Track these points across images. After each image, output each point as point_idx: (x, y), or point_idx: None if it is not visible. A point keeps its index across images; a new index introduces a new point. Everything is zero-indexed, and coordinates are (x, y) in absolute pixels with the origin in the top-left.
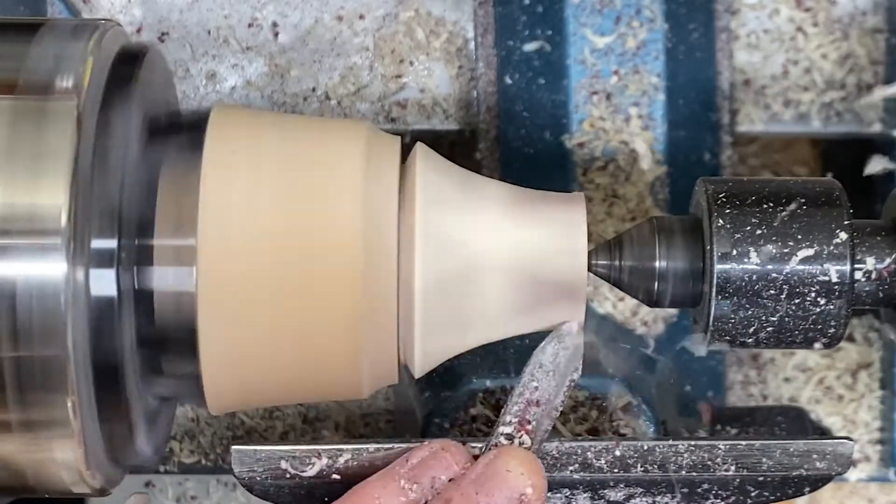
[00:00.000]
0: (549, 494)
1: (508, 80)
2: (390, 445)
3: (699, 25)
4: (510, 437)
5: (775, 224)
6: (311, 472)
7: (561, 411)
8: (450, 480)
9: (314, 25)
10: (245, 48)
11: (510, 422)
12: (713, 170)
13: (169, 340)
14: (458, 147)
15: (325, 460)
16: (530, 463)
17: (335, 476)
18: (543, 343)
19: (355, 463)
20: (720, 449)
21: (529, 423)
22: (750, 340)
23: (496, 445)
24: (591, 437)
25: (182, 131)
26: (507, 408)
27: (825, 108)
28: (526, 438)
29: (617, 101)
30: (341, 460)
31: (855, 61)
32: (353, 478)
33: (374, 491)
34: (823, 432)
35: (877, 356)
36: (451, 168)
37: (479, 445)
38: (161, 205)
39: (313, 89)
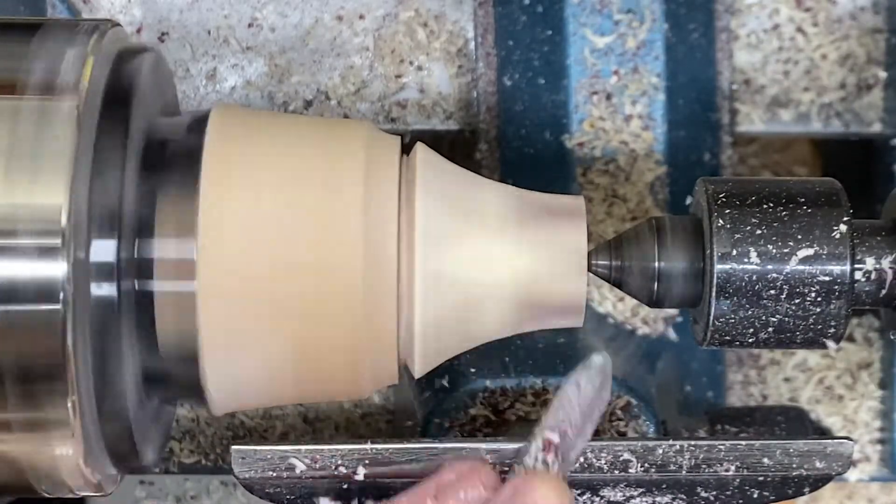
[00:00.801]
0: None
1: (508, 81)
2: (390, 446)
3: (699, 25)
4: (540, 463)
5: (775, 224)
6: (310, 472)
7: (584, 450)
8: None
9: (314, 25)
10: (245, 48)
11: (539, 448)
12: (713, 170)
13: (169, 340)
14: (458, 147)
15: (324, 460)
16: (561, 491)
17: (335, 476)
18: (573, 375)
19: (355, 463)
20: (720, 449)
21: (558, 451)
22: (750, 340)
23: (525, 471)
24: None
25: (182, 131)
26: (534, 435)
27: (825, 108)
28: (555, 466)
29: (617, 101)
30: (341, 460)
31: (855, 61)
32: (353, 477)
33: None
34: (823, 432)
35: (877, 356)
36: (451, 169)
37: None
38: (161, 204)
39: (314, 89)
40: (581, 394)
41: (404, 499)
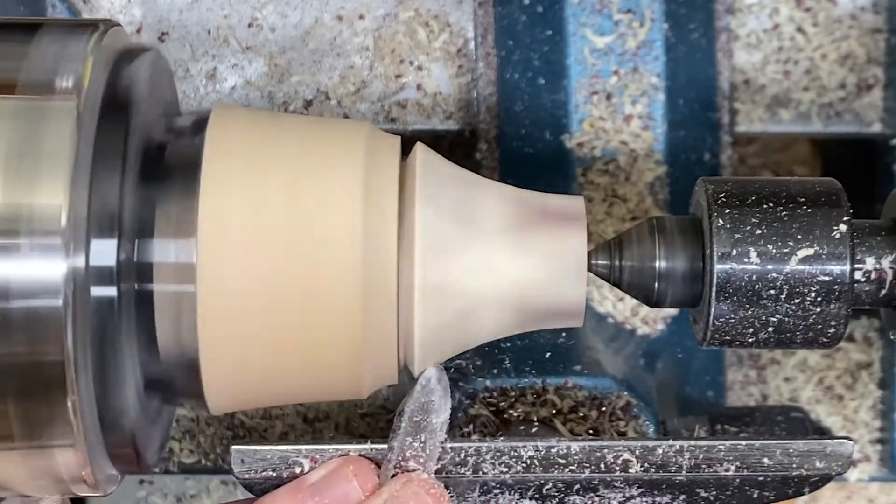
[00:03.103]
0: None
1: (508, 81)
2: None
3: (699, 25)
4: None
5: (775, 224)
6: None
7: (441, 447)
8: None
9: (314, 25)
10: (245, 48)
11: (400, 464)
12: (713, 170)
13: (169, 341)
14: (458, 147)
15: (324, 460)
16: (436, 489)
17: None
18: (407, 396)
19: None
20: (720, 449)
21: (418, 459)
22: (750, 340)
23: (396, 472)
24: (591, 436)
25: (182, 131)
26: (391, 448)
27: (825, 108)
28: (430, 465)
29: (617, 101)
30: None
31: (855, 61)
32: None
33: None
34: (823, 432)
35: (877, 356)
36: (450, 170)
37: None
38: (161, 205)
39: (314, 89)
40: (429, 406)
41: (281, 492)
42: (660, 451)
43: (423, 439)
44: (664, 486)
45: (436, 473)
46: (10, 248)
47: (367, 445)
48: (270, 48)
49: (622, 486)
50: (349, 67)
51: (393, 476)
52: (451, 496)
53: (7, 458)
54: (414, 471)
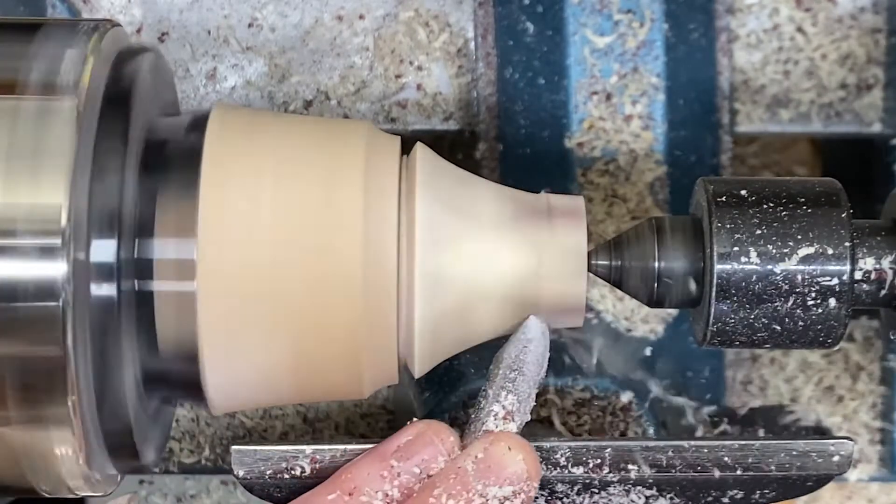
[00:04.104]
0: (548, 494)
1: (508, 81)
2: None
3: (699, 25)
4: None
5: (775, 224)
6: (310, 472)
7: (534, 403)
8: (446, 466)
9: (314, 25)
10: (245, 48)
11: (492, 412)
12: (713, 170)
13: (169, 340)
14: (458, 147)
15: (325, 460)
16: (527, 449)
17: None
18: (508, 342)
19: None
20: (720, 449)
21: (510, 413)
22: (750, 340)
23: (482, 432)
24: (591, 437)
25: (182, 131)
26: (483, 402)
27: (825, 108)
28: (512, 426)
29: (617, 101)
30: (341, 460)
31: (855, 61)
32: None
33: (358, 475)
34: (823, 432)
35: (877, 356)
36: (450, 170)
37: None
38: (161, 204)
39: (314, 89)
40: (526, 355)
41: (362, 461)
42: (660, 451)
43: (517, 390)
44: (664, 486)
45: None
46: (11, 248)
47: (368, 445)
48: (270, 48)
49: (621, 486)
50: (349, 67)
51: (483, 427)
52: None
53: (7, 457)
54: (509, 419)
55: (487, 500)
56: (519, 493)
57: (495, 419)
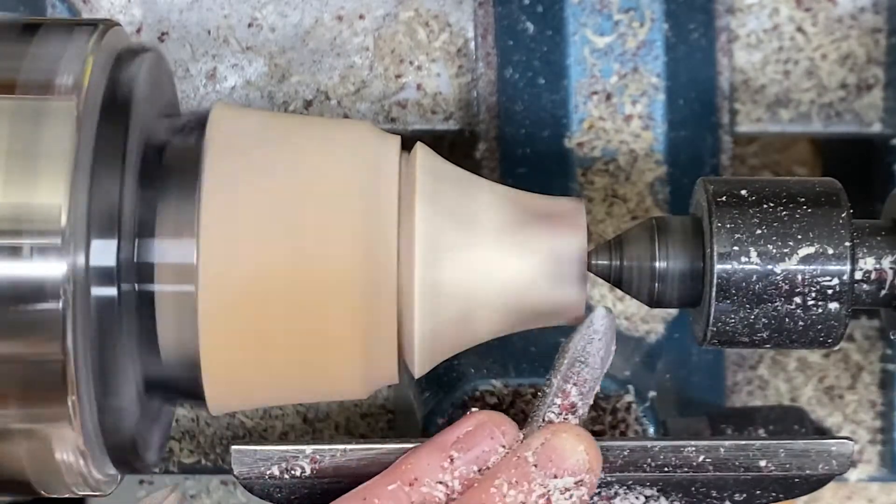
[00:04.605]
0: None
1: (508, 81)
2: (390, 445)
3: (699, 25)
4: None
5: (775, 224)
6: (310, 471)
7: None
8: (506, 456)
9: (314, 25)
10: (245, 48)
11: (555, 403)
12: (713, 170)
13: (169, 340)
14: (458, 147)
15: (325, 460)
16: (589, 441)
17: (335, 476)
18: (580, 329)
19: (355, 463)
20: (720, 449)
21: (574, 406)
22: (750, 340)
23: (543, 423)
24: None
25: (182, 131)
26: (548, 392)
27: (825, 108)
28: (573, 418)
29: (617, 101)
30: (341, 460)
31: (855, 61)
32: (353, 477)
33: (417, 466)
34: (823, 432)
35: (877, 356)
36: (450, 171)
37: None
38: (162, 205)
39: (314, 89)
40: (585, 349)
41: (421, 451)
42: (660, 451)
43: (580, 382)
44: (664, 487)
45: None
46: (11, 249)
47: (367, 445)
48: (270, 48)
49: (621, 486)
50: (349, 67)
51: (545, 418)
52: None
53: (7, 457)
54: (571, 411)
55: (549, 491)
56: (580, 485)
57: (558, 410)
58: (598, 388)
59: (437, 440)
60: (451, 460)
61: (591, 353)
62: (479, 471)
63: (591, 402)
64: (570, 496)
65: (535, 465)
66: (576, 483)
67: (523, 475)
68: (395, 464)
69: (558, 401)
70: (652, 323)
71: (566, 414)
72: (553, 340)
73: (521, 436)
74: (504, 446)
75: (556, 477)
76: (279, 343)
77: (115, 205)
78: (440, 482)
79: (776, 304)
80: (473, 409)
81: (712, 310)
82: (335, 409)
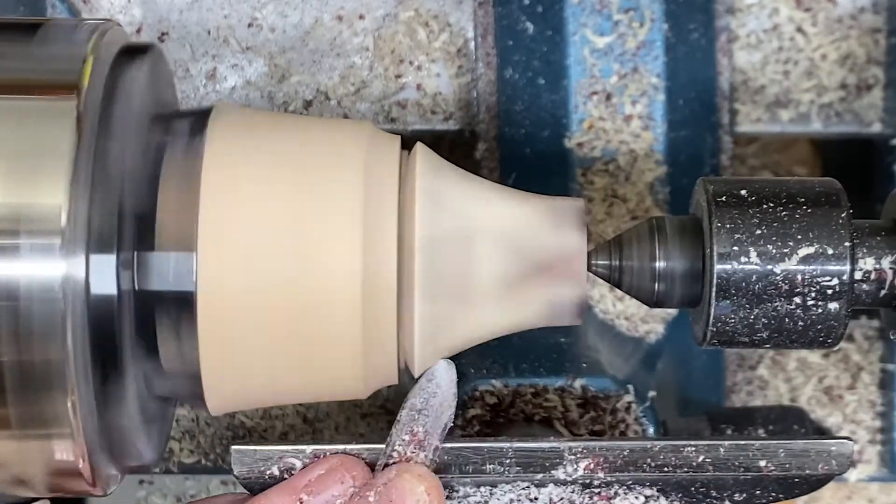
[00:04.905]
0: (547, 494)
1: (508, 81)
2: None
3: (699, 25)
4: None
5: (775, 224)
6: None
7: (441, 444)
8: (351, 497)
9: (314, 25)
10: (245, 48)
11: (403, 441)
12: (713, 170)
13: (169, 340)
14: (458, 147)
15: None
16: (430, 480)
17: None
18: (414, 387)
19: None
20: (720, 449)
21: (421, 443)
22: (750, 340)
23: (388, 463)
24: (591, 437)
25: (182, 131)
26: (391, 437)
27: (825, 108)
28: (420, 456)
29: (617, 101)
30: None
31: (855, 61)
32: None
33: None
34: (823, 432)
35: (877, 356)
36: (450, 172)
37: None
38: (161, 205)
39: (314, 89)
40: (434, 399)
41: (273, 492)
42: (660, 451)
43: (423, 432)
44: (664, 487)
45: (436, 474)
46: (10, 249)
47: (367, 445)
48: (270, 48)
49: (621, 486)
50: (349, 67)
51: (389, 460)
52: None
53: (7, 458)
54: (412, 454)
55: None
56: None
57: (401, 451)
58: (442, 438)
59: (289, 483)
60: (301, 503)
61: (432, 404)
62: None
63: (437, 449)
64: None
65: None
66: None
67: None
68: (248, 503)
69: (404, 440)
70: (652, 323)
71: (411, 455)
72: (553, 340)
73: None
74: (355, 488)
75: None
76: (279, 343)
77: (115, 205)
78: None
79: (776, 304)
80: (328, 453)
81: (712, 310)
82: (335, 409)
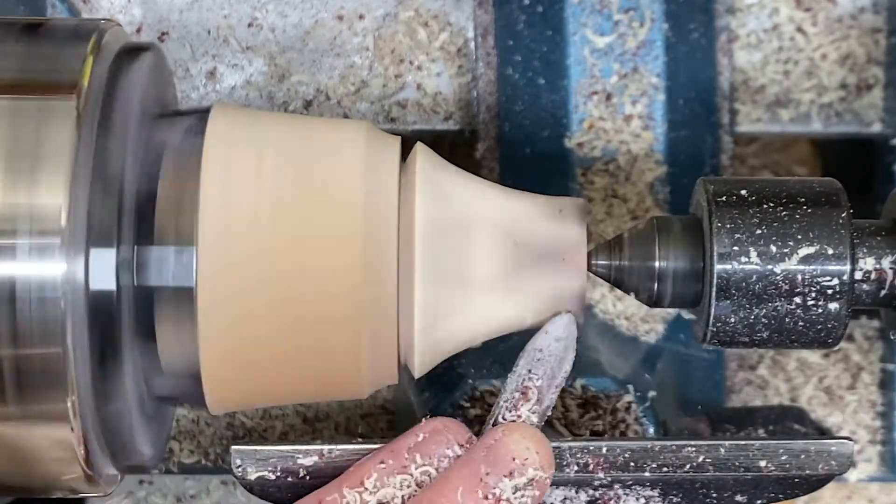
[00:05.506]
0: (547, 494)
1: (508, 81)
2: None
3: (699, 25)
4: (516, 415)
5: (775, 224)
6: (310, 472)
7: (554, 403)
8: (457, 458)
9: (314, 25)
10: (245, 48)
11: (513, 399)
12: (713, 170)
13: (169, 340)
14: (458, 147)
15: (324, 460)
16: (539, 440)
17: (335, 476)
18: (536, 335)
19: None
20: (720, 449)
21: (532, 401)
22: (750, 340)
23: (496, 423)
24: (591, 437)
25: (182, 130)
26: (503, 393)
27: (825, 108)
28: (533, 417)
29: (617, 101)
30: (341, 460)
31: (855, 61)
32: None
33: (374, 469)
34: (823, 432)
35: (877, 356)
36: (450, 172)
37: None
38: (161, 204)
39: (314, 89)
40: (550, 347)
41: (377, 456)
42: (660, 451)
43: (536, 383)
44: (664, 487)
45: None
46: (10, 248)
47: (368, 445)
48: (270, 48)
49: (621, 486)
50: (349, 67)
51: (499, 418)
52: None
53: (7, 457)
54: (521, 415)
55: (500, 491)
56: (532, 484)
57: (512, 410)
58: (557, 392)
59: (393, 445)
60: (407, 464)
61: (549, 355)
62: (434, 474)
63: (551, 405)
64: (523, 496)
65: (486, 466)
66: (527, 482)
67: (473, 475)
68: (351, 469)
69: (513, 399)
70: (652, 323)
71: (521, 414)
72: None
73: (475, 440)
74: (459, 452)
75: (507, 477)
76: (279, 343)
77: (115, 205)
78: (395, 486)
79: (776, 304)
80: (429, 416)
81: (712, 310)
82: (335, 409)
